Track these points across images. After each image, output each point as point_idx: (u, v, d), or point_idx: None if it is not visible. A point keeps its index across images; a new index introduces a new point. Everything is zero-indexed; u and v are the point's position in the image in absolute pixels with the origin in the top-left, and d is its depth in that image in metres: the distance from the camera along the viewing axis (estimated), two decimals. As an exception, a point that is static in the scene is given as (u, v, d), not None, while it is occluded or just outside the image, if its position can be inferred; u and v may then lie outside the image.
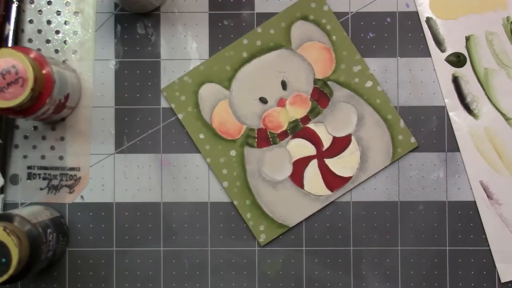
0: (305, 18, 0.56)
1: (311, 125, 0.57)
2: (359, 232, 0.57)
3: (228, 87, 0.56)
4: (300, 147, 0.57)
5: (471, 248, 0.57)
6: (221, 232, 0.57)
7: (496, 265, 0.57)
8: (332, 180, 0.57)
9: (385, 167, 0.57)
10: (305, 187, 0.57)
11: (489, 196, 0.57)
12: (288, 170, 0.57)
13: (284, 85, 0.56)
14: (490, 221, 0.57)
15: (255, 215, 0.56)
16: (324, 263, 0.57)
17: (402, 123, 0.57)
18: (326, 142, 0.57)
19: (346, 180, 0.57)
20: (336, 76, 0.57)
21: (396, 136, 0.57)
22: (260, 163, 0.56)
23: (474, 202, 0.57)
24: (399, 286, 0.57)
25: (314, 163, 0.57)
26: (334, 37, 0.56)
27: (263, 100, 0.56)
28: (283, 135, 0.56)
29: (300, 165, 0.57)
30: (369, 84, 0.57)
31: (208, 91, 0.56)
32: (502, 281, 0.57)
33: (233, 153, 0.56)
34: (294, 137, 0.57)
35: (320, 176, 0.57)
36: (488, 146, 0.57)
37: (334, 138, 0.57)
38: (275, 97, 0.56)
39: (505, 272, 0.57)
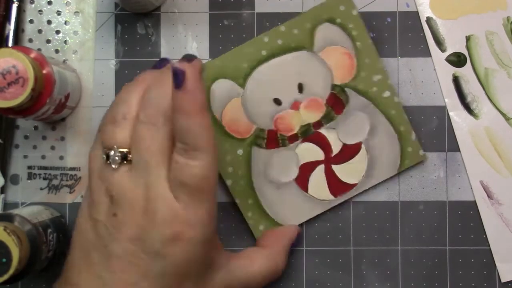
0: (331, 20, 0.55)
1: (322, 130, 0.56)
2: (359, 232, 0.57)
3: (242, 85, 0.55)
4: (309, 151, 0.56)
5: (472, 248, 0.57)
6: (221, 232, 0.57)
7: (497, 265, 0.57)
8: (336, 186, 0.56)
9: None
10: (309, 191, 0.56)
11: (489, 196, 0.57)
12: (294, 173, 0.56)
13: (300, 88, 0.55)
14: (490, 221, 0.57)
15: (256, 215, 0.56)
16: (324, 263, 0.57)
17: (413, 136, 0.56)
18: (336, 148, 0.56)
19: (350, 186, 0.56)
20: (355, 83, 0.56)
21: (406, 148, 0.56)
22: (266, 164, 0.56)
23: (475, 202, 0.57)
24: (399, 286, 0.57)
25: (321, 168, 0.56)
26: (358, 43, 0.55)
27: (277, 101, 0.55)
28: (293, 138, 0.56)
29: (306, 169, 0.56)
30: (386, 94, 0.56)
31: (222, 87, 0.55)
32: (503, 281, 0.57)
33: (240, 152, 0.56)
34: (304, 141, 0.56)
35: (325, 181, 0.56)
36: (488, 146, 0.57)
37: (344, 145, 0.56)
38: (289, 99, 0.55)
39: (506, 272, 0.57)
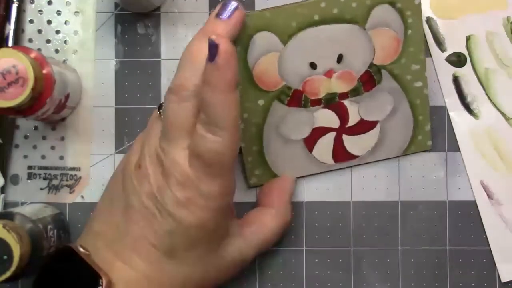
0: (392, 3, 0.54)
1: (346, 102, 0.56)
2: (359, 232, 0.57)
3: (285, 42, 0.54)
4: (326, 117, 0.56)
5: (472, 248, 0.57)
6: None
7: (497, 265, 0.57)
8: (340, 154, 0.57)
9: (389, 159, 0.57)
10: (313, 152, 0.56)
11: (489, 196, 0.57)
12: (305, 133, 0.56)
13: (340, 58, 0.54)
14: (490, 221, 0.57)
15: (255, 160, 0.56)
16: (324, 263, 0.57)
17: (428, 127, 0.57)
18: (352, 121, 0.56)
19: (353, 157, 0.57)
20: (392, 67, 0.55)
21: (417, 135, 0.57)
22: (281, 119, 0.56)
23: (475, 202, 0.57)
24: (400, 286, 0.57)
25: (331, 135, 0.56)
26: (409, 31, 0.55)
27: (312, 65, 0.54)
28: (316, 102, 0.55)
29: (318, 133, 0.56)
30: (418, 84, 0.56)
31: (264, 39, 0.53)
32: (503, 281, 0.57)
33: (261, 102, 0.55)
34: (325, 107, 0.56)
35: (332, 148, 0.57)
36: (488, 146, 0.57)
37: (362, 119, 0.56)
38: (326, 66, 0.55)
39: (506, 272, 0.57)
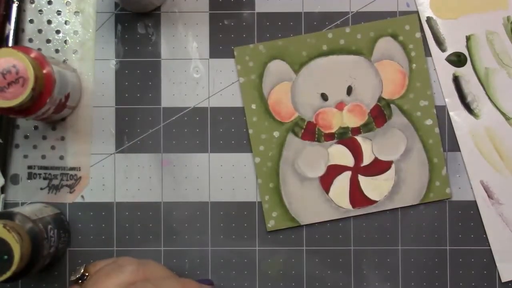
0: (394, 36, 0.56)
1: (359, 138, 0.56)
2: (360, 232, 0.57)
3: (297, 71, 0.56)
4: (340, 154, 0.56)
5: (472, 247, 0.57)
6: (222, 231, 0.57)
7: (497, 264, 0.57)
8: (357, 197, 0.56)
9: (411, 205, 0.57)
10: (330, 194, 0.56)
11: (489, 196, 0.57)
12: (321, 171, 0.56)
13: (349, 90, 0.56)
14: (490, 220, 0.57)
15: (272, 200, 0.56)
16: (324, 262, 0.57)
17: (444, 171, 0.57)
18: (367, 160, 0.56)
19: (370, 202, 0.57)
20: (401, 102, 0.56)
21: (434, 181, 0.57)
22: (297, 154, 0.56)
23: (475, 201, 0.57)
24: (400, 286, 0.57)
25: (347, 175, 0.56)
26: (414, 65, 0.56)
27: (324, 97, 0.56)
28: (329, 136, 0.56)
29: (333, 171, 0.56)
30: (429, 122, 0.56)
31: (277, 67, 0.56)
32: (503, 280, 0.57)
33: (276, 134, 0.56)
34: (339, 142, 0.56)
35: (348, 189, 0.56)
36: (488, 145, 0.57)
37: (376, 158, 0.56)
38: (336, 98, 0.56)
39: (506, 272, 0.57)
